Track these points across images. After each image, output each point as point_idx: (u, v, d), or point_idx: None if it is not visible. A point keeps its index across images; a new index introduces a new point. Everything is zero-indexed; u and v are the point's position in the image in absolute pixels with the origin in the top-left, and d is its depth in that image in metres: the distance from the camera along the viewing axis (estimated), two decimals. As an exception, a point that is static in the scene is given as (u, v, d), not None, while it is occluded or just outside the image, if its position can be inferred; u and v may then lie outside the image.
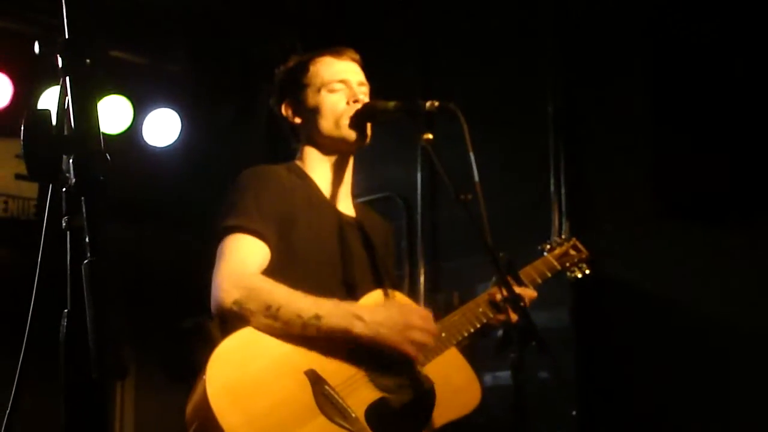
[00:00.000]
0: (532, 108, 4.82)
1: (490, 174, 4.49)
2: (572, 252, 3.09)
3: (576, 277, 3.09)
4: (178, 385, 2.48)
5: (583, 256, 3.11)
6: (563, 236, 3.18)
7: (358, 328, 2.46)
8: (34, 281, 1.55)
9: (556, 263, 3.03)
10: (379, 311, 2.52)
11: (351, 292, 2.67)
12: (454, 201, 2.42)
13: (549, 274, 2.99)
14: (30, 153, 1.39)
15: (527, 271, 2.92)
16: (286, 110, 2.86)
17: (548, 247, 3.07)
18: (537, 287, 2.92)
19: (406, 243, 5.24)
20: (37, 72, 4.97)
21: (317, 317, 2.44)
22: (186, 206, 5.84)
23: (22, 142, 1.37)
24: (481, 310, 2.77)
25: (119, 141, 5.54)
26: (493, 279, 2.85)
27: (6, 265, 4.65)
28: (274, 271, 2.56)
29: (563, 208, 4.62)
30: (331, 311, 2.47)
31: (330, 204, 2.81)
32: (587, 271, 3.11)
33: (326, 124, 2.77)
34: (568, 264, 3.07)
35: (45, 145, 1.38)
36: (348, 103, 2.76)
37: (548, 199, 4.66)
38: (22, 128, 1.38)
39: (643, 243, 4.35)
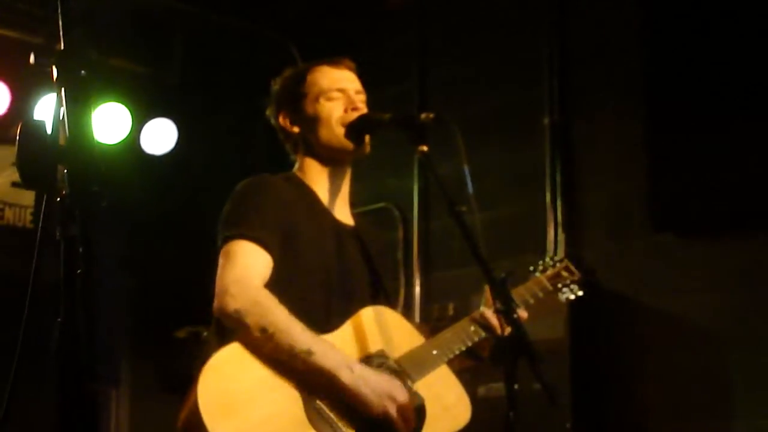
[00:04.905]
0: (528, 120, 4.84)
1: (486, 186, 4.56)
2: (564, 273, 3.03)
3: (567, 299, 3.04)
4: (172, 395, 2.48)
5: (576, 277, 3.05)
6: (556, 256, 3.11)
7: (345, 376, 2.43)
8: (29, 290, 1.56)
9: (548, 284, 2.98)
10: (370, 371, 2.50)
11: (348, 302, 2.66)
12: (449, 213, 2.41)
13: (541, 295, 2.94)
14: (24, 162, 1.39)
15: (519, 292, 2.87)
16: (283, 120, 2.83)
17: (540, 267, 3.01)
18: (529, 307, 2.87)
19: (401, 254, 5.25)
20: (34, 81, 4.98)
21: (309, 352, 2.41)
22: (183, 215, 5.84)
23: (16, 152, 1.38)
24: (473, 329, 2.74)
25: (118, 150, 5.54)
26: (483, 296, 2.83)
27: (2, 273, 4.64)
28: (277, 281, 2.54)
29: (558, 221, 4.62)
30: (324, 351, 2.44)
31: (329, 213, 2.79)
32: (579, 293, 3.05)
33: (324, 133, 2.74)
34: (559, 285, 3.02)
35: (39, 155, 1.38)
36: (346, 111, 2.75)
37: (543, 212, 4.67)
38: (17, 138, 1.38)
39: (638, 256, 4.36)
